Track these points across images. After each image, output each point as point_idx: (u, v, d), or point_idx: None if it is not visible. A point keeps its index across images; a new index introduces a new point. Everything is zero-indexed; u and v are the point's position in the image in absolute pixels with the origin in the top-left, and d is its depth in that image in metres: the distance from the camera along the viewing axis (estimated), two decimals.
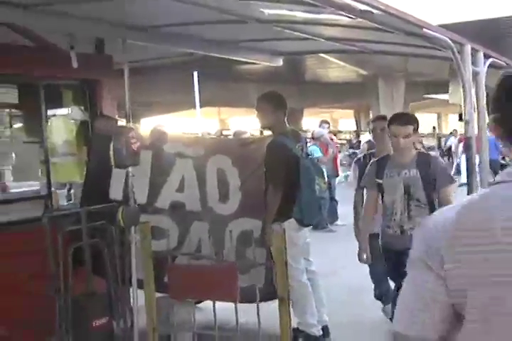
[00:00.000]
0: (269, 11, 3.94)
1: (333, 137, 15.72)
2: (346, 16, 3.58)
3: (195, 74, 14.77)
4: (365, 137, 16.63)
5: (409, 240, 1.65)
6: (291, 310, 5.15)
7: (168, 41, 5.61)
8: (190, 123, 23.96)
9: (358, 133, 34.56)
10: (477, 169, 4.33)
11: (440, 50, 4.21)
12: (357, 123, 38.13)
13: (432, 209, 4.53)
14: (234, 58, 6.56)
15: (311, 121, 30.24)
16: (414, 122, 5.00)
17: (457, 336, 1.52)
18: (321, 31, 5.04)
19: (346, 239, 6.76)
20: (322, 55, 14.09)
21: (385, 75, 23.53)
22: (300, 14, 3.91)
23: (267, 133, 11.59)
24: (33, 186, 6.05)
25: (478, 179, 4.00)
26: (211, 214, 5.69)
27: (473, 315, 1.47)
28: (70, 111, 6.23)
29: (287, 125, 5.45)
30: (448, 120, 43.52)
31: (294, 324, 5.12)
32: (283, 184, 5.12)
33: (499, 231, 1.44)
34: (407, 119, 5.03)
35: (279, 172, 5.15)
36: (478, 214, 1.49)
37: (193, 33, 5.62)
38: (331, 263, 7.92)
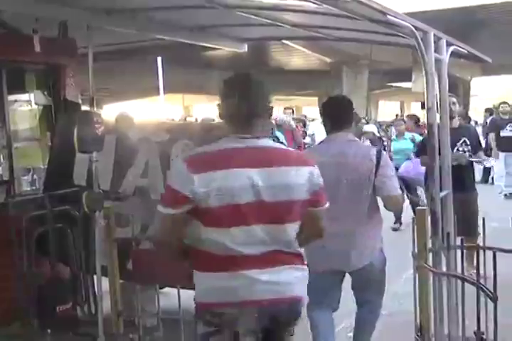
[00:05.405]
0: None
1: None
2: (311, 2, 3.59)
3: (160, 59, 14.62)
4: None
5: None
6: None
7: (133, 26, 5.55)
8: (154, 110, 23.81)
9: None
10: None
11: (404, 37, 4.23)
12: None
13: None
14: (199, 44, 6.52)
15: (275, 109, 30.24)
16: None
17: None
18: (287, 18, 5.04)
19: None
20: (286, 42, 14.09)
21: (349, 63, 23.64)
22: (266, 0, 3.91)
23: None
24: None
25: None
26: None
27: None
28: (33, 96, 6.18)
29: None
30: (411, 108, 43.94)
31: None
32: None
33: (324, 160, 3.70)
34: None
35: None
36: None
37: (158, 17, 5.57)
38: None
